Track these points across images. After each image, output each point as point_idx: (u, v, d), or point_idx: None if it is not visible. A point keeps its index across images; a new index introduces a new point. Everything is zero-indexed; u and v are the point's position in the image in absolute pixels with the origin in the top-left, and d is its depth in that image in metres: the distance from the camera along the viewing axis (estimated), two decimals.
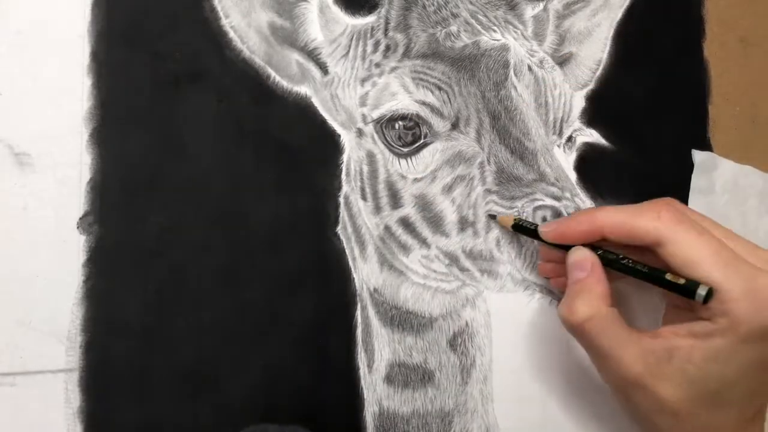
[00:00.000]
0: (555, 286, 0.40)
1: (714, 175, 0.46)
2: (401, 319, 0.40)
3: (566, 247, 0.37)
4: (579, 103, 0.43)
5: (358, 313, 0.40)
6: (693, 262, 0.33)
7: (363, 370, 0.39)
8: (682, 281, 0.33)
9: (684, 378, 0.32)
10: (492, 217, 0.39)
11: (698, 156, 0.46)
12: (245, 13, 0.39)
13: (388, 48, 0.40)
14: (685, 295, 0.33)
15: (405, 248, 0.40)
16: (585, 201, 0.41)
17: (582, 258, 0.36)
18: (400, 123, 0.39)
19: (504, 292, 0.41)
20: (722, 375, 0.32)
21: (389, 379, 0.40)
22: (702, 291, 0.32)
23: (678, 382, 0.32)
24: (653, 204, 0.35)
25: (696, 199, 0.45)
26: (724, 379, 0.32)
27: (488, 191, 0.39)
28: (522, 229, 0.38)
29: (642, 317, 0.39)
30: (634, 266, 0.35)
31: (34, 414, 0.35)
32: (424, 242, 0.40)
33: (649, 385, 0.33)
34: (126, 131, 0.37)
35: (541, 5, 0.43)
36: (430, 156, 0.40)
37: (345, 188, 0.40)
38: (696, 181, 0.45)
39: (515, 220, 0.38)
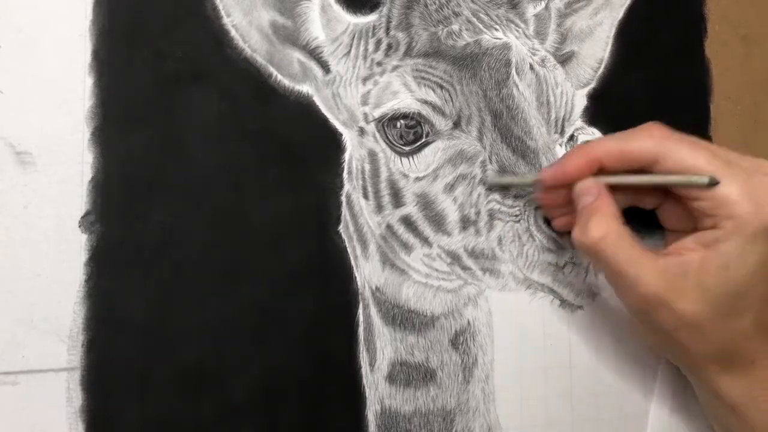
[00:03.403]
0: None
1: None
2: (403, 318, 0.40)
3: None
4: (581, 101, 0.43)
5: (360, 312, 0.40)
6: (691, 170, 0.34)
7: (365, 368, 0.39)
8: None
9: (701, 290, 0.33)
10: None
11: None
12: (247, 11, 0.39)
13: (389, 47, 0.40)
14: (692, 186, 0.34)
15: (407, 247, 0.40)
16: None
17: (588, 185, 0.36)
18: (402, 122, 0.39)
19: (506, 291, 0.41)
20: (736, 281, 0.33)
21: (391, 378, 0.40)
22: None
23: (697, 295, 0.33)
24: (643, 127, 0.36)
25: None
26: (739, 285, 0.33)
27: (490, 190, 0.39)
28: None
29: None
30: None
31: (36, 413, 0.35)
32: (426, 241, 0.40)
33: (669, 301, 0.33)
34: (127, 130, 0.37)
35: (543, 4, 0.43)
36: (432, 155, 0.40)
37: (347, 187, 0.40)
38: None
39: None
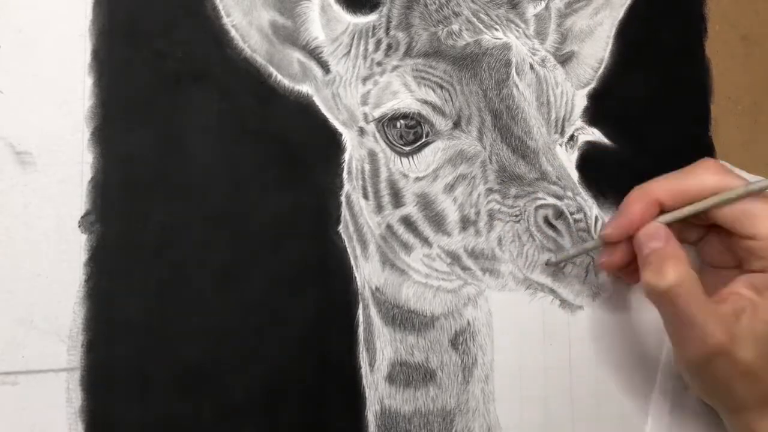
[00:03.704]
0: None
1: None
2: (403, 318, 0.40)
3: None
4: (581, 101, 0.43)
5: (360, 312, 0.40)
6: (750, 215, 0.35)
7: (365, 369, 0.39)
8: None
9: (755, 337, 0.33)
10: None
11: None
12: (247, 11, 0.39)
13: (389, 47, 0.40)
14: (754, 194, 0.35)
15: (407, 247, 0.40)
16: (587, 200, 0.41)
17: (653, 230, 0.36)
18: (402, 122, 0.39)
19: (506, 291, 0.41)
20: None
21: (391, 378, 0.40)
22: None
23: (752, 342, 0.33)
24: (698, 164, 0.37)
25: None
26: None
27: (490, 190, 0.39)
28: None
29: None
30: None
31: (36, 413, 0.35)
32: (425, 241, 0.40)
33: (731, 351, 0.33)
34: (127, 130, 0.37)
35: (543, 4, 0.43)
36: (432, 155, 0.40)
37: (346, 187, 0.40)
38: None
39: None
